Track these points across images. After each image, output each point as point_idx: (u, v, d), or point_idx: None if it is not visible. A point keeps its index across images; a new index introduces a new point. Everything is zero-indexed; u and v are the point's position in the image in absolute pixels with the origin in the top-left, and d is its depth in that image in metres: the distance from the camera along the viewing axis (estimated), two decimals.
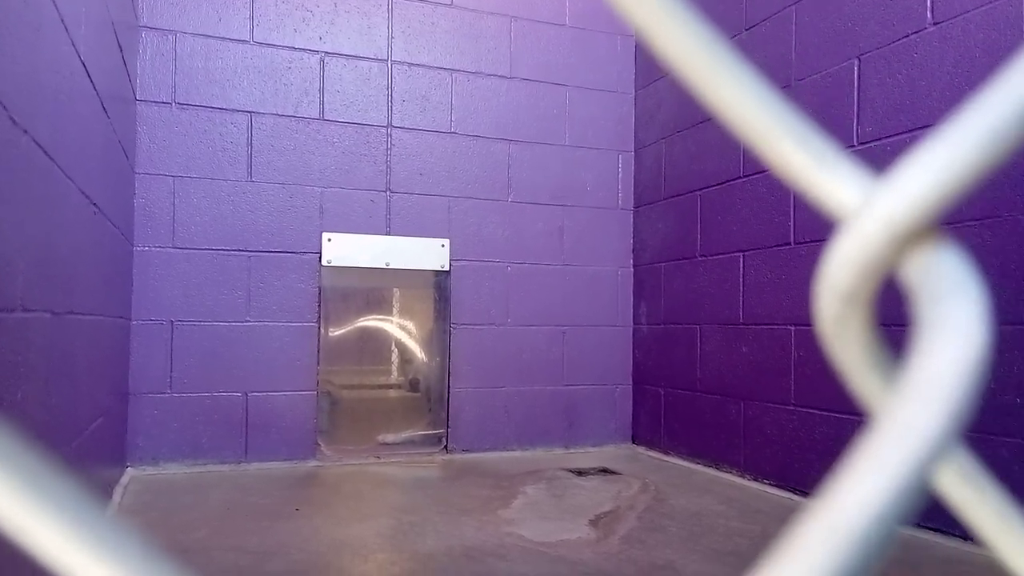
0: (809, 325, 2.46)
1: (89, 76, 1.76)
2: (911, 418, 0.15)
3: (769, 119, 0.18)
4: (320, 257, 2.97)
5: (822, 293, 0.19)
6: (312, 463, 2.91)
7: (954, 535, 1.95)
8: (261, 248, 2.90)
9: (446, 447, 3.15)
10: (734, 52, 0.18)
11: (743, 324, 2.76)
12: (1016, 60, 0.17)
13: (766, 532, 2.06)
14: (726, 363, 2.86)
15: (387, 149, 3.10)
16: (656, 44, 0.17)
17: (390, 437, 3.10)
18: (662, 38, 0.17)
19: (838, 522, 0.14)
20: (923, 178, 0.17)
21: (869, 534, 0.14)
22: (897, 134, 2.18)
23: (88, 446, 1.84)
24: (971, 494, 0.21)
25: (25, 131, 1.20)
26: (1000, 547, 0.22)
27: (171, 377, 2.76)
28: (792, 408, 2.52)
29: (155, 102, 2.78)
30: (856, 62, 2.32)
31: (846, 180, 0.19)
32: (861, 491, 0.14)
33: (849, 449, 0.16)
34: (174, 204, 2.79)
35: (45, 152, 1.34)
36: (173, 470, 2.73)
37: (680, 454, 3.13)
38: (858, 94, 2.31)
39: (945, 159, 0.16)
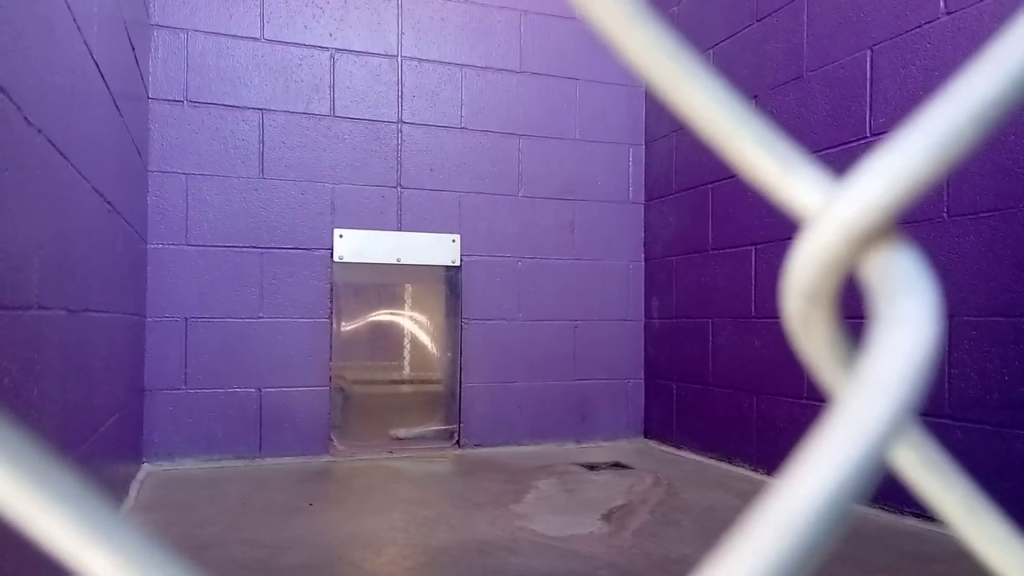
0: None
1: (102, 75, 1.78)
2: (861, 409, 0.15)
3: (734, 124, 0.18)
4: (332, 253, 2.98)
5: (787, 292, 0.19)
6: (325, 458, 2.93)
7: None
8: (273, 245, 2.92)
9: (458, 442, 3.16)
10: (698, 58, 0.18)
11: (755, 318, 2.75)
12: (971, 63, 0.17)
13: None
14: (738, 357, 2.85)
15: (398, 145, 3.11)
16: (621, 51, 0.17)
17: (402, 432, 3.12)
18: (627, 45, 0.17)
19: (790, 506, 0.15)
20: (880, 181, 0.17)
21: (819, 516, 0.15)
22: None
23: (104, 442, 1.86)
24: (936, 481, 0.22)
25: (39, 130, 1.22)
26: (964, 532, 0.22)
27: (186, 373, 2.79)
28: (805, 402, 2.51)
29: (167, 100, 2.80)
30: (869, 52, 2.30)
31: (808, 182, 0.19)
32: (813, 477, 0.15)
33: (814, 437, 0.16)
34: (187, 202, 2.82)
35: (59, 151, 1.36)
36: (188, 465, 2.76)
37: (693, 448, 3.12)
38: (871, 85, 2.29)
39: (901, 162, 0.17)
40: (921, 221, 2.10)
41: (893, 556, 1.78)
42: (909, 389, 0.15)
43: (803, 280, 0.19)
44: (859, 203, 0.17)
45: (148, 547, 0.16)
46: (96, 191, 1.71)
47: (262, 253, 2.90)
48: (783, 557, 0.14)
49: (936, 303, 0.17)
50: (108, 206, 1.88)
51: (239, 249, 2.87)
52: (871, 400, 0.15)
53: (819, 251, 0.18)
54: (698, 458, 3.04)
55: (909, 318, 0.16)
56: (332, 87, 3.02)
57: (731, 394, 2.89)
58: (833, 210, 0.18)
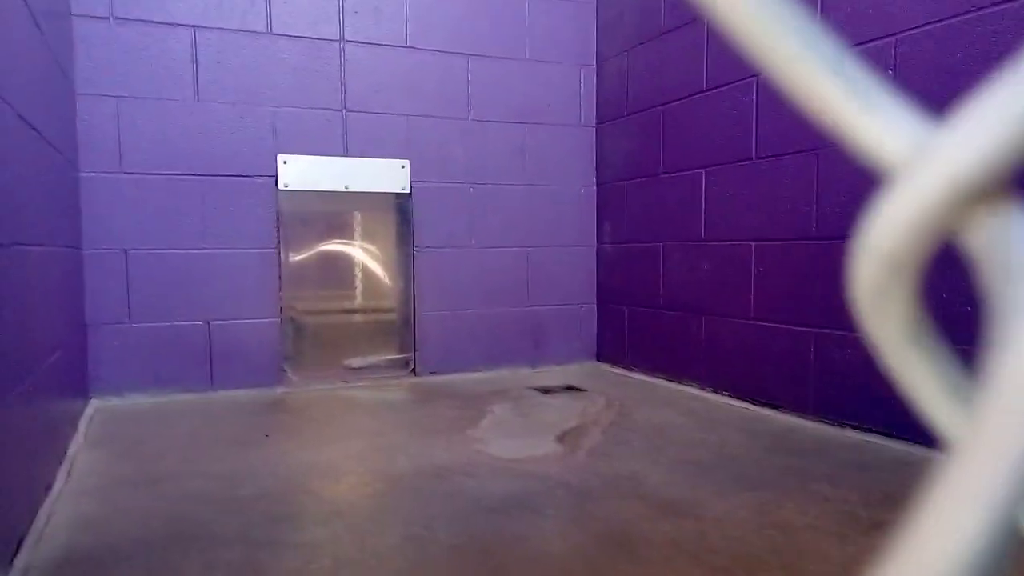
0: (769, 240, 2.48)
1: None
2: (1000, 439, 0.12)
3: (799, 48, 0.15)
4: (276, 180, 2.89)
5: (862, 257, 0.17)
6: (279, 389, 2.91)
7: (903, 438, 2.04)
8: (213, 172, 2.80)
9: (413, 370, 3.17)
10: None
11: (705, 241, 2.79)
12: None
13: (725, 441, 2.13)
14: (688, 280, 2.89)
15: (341, 65, 2.98)
16: None
17: (357, 361, 3.11)
18: None
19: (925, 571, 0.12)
20: (994, 123, 0.14)
21: None
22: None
23: (47, 379, 1.80)
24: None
25: None
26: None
27: (129, 307, 2.71)
28: (752, 322, 2.58)
29: (92, 17, 2.61)
30: None
31: (897, 125, 0.16)
32: (947, 533, 0.12)
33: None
34: (119, 127, 2.67)
35: None
36: (138, 400, 2.71)
37: (643, 370, 3.20)
38: None
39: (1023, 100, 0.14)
40: None
41: (833, 466, 1.87)
42: None
43: (885, 244, 0.16)
44: (968, 150, 0.14)
45: None
46: (20, 116, 1.60)
47: (202, 181, 2.79)
48: None
49: None
50: (35, 132, 1.77)
51: (177, 177, 2.75)
52: (1012, 427, 0.12)
53: (910, 209, 0.15)
54: (648, 379, 3.12)
55: None
56: (268, 1, 2.86)
57: (680, 316, 2.95)
58: (930, 159, 0.15)
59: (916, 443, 2.00)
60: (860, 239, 0.17)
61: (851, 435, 2.16)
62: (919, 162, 0.15)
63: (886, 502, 1.61)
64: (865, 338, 0.18)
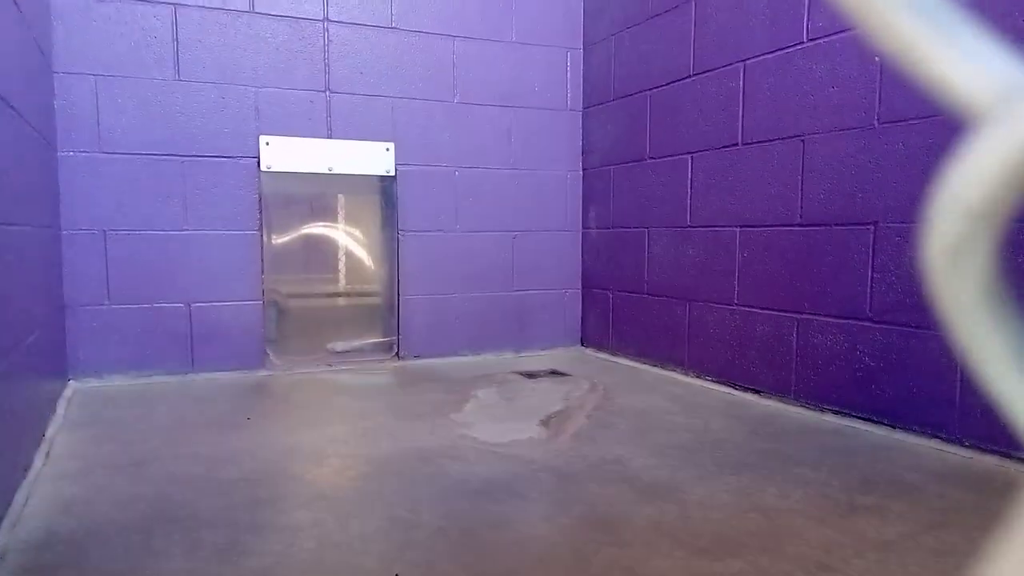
0: (754, 226, 2.49)
1: None
2: None
3: None
4: (258, 162, 2.85)
5: (941, 208, 0.15)
6: (262, 372, 2.89)
7: (883, 423, 2.06)
8: (194, 152, 2.76)
9: (397, 354, 3.16)
10: None
11: (690, 226, 2.79)
12: None
13: (708, 426, 2.14)
14: (673, 265, 2.90)
15: (324, 45, 2.94)
16: None
17: (340, 345, 3.09)
18: None
19: None
20: None
21: None
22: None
23: (25, 360, 1.78)
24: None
25: None
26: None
27: (108, 289, 2.67)
28: (735, 307, 2.59)
29: None
30: None
31: (985, 65, 0.15)
32: None
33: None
34: (97, 105, 2.62)
35: None
36: (118, 382, 2.68)
37: (627, 355, 3.21)
38: None
39: None
40: (852, 128, 2.13)
41: (814, 450, 1.89)
42: None
43: (969, 192, 0.14)
44: None
45: None
46: None
47: (183, 161, 2.75)
48: None
49: None
50: (11, 110, 1.73)
51: (158, 157, 2.71)
52: None
53: (999, 156, 0.14)
54: (633, 364, 3.13)
55: None
56: None
57: (665, 301, 2.95)
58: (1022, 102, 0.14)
59: (895, 428, 2.03)
60: (940, 189, 0.16)
61: (832, 420, 2.18)
62: (1012, 105, 0.14)
63: (865, 486, 1.63)
64: (933, 303, 0.16)
